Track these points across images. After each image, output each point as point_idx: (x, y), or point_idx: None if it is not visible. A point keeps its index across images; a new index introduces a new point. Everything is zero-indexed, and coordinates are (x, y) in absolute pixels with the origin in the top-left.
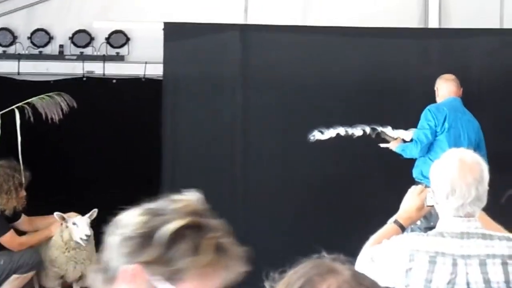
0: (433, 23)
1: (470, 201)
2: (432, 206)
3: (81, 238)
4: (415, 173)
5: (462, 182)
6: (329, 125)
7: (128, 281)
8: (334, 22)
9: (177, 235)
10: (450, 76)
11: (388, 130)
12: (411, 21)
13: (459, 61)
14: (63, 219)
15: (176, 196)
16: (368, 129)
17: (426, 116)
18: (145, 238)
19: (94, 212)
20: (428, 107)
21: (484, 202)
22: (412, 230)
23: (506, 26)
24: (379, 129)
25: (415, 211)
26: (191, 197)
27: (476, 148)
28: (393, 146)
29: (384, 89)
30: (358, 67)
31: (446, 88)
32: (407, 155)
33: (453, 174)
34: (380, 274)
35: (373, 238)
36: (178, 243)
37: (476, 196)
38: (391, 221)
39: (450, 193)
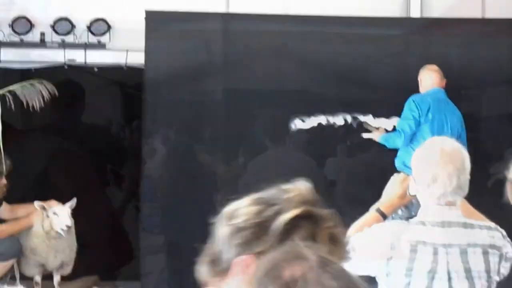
0: (415, 13)
1: (451, 190)
2: (415, 195)
3: (61, 229)
4: (398, 163)
5: (443, 170)
6: (310, 114)
7: (241, 272)
8: (315, 11)
9: (292, 225)
10: (433, 67)
11: (369, 119)
12: (393, 11)
13: (440, 50)
14: (44, 208)
15: (286, 186)
16: (349, 118)
17: (410, 106)
18: (259, 228)
19: (73, 201)
20: (412, 97)
21: (465, 191)
22: (393, 219)
23: (487, 16)
24: (361, 118)
25: (397, 199)
26: (301, 186)
27: (458, 139)
28: (376, 136)
29: (366, 78)
30: (340, 56)
31: (429, 78)
32: (390, 145)
33: (434, 163)
34: (361, 262)
35: (354, 225)
36: (293, 233)
37: (458, 184)
38: (373, 209)
39: (431, 181)
